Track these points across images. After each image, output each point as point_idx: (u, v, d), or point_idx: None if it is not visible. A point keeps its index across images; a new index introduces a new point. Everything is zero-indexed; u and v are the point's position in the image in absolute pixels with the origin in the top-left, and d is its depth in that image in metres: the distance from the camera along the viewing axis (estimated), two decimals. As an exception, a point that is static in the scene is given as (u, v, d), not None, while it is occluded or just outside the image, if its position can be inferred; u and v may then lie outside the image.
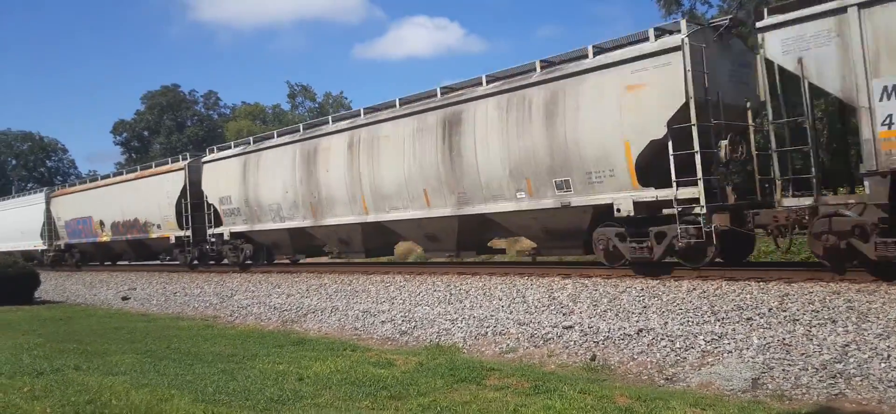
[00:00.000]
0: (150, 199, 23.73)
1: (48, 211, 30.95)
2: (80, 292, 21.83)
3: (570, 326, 9.05)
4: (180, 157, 23.80)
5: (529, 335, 9.18)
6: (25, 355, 9.38)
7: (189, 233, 22.07)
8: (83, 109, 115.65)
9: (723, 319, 8.23)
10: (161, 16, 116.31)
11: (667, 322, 8.49)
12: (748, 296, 8.83)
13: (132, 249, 26.21)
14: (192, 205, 21.85)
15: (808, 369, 6.63)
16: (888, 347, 6.67)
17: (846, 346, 6.86)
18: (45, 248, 31.06)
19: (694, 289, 9.61)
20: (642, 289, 10.03)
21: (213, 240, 21.27)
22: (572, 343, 8.64)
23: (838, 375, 6.44)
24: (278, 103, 66.52)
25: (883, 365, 6.39)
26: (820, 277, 9.36)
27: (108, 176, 28.78)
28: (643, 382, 7.31)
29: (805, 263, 11.68)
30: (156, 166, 24.77)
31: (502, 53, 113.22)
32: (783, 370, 6.74)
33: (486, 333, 9.70)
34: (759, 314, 8.09)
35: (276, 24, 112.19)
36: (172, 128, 66.33)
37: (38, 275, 20.27)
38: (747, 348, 7.33)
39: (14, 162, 76.68)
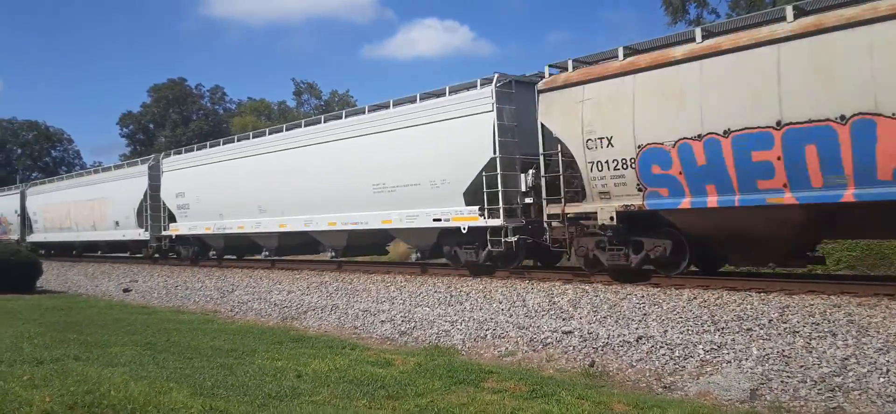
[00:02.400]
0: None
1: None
2: (81, 283, 21.89)
3: (570, 331, 9.04)
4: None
5: (528, 339, 9.18)
6: (26, 344, 9.40)
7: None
8: (90, 100, 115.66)
9: (723, 328, 8.22)
10: (171, 10, 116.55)
11: (667, 330, 8.48)
12: (749, 306, 8.82)
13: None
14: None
15: (806, 382, 6.62)
16: (888, 361, 6.65)
17: (846, 359, 6.85)
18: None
19: (695, 298, 9.60)
20: (643, 296, 10.03)
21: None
22: (571, 348, 8.64)
23: (837, 389, 6.42)
24: (284, 100, 66.66)
25: (882, 379, 6.38)
26: (821, 290, 9.36)
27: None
28: (641, 389, 7.30)
29: (808, 275, 11.67)
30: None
31: (511, 57, 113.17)
32: (782, 382, 6.72)
33: (486, 335, 9.70)
34: (759, 325, 8.08)
35: (286, 22, 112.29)
36: (177, 121, 66.46)
37: (40, 264, 20.32)
38: (746, 359, 7.31)
39: (19, 151, 76.81)
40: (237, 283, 17.04)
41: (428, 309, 11.43)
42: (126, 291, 18.97)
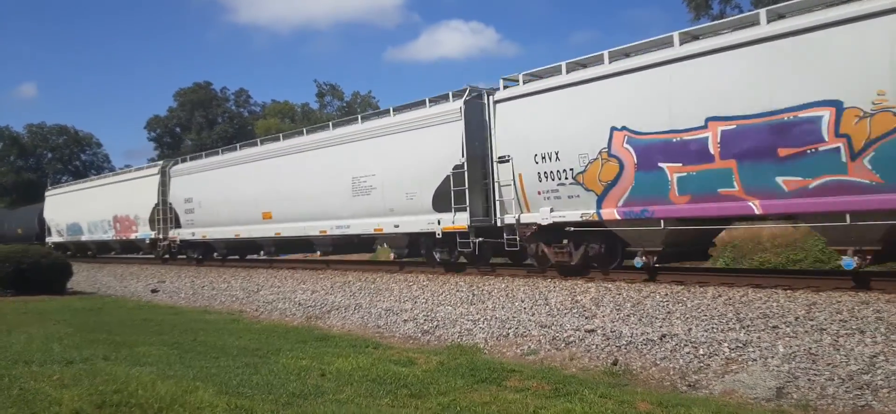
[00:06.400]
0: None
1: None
2: (111, 284, 22.29)
3: (593, 330, 9.01)
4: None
5: (551, 338, 9.16)
6: (56, 345, 9.59)
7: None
8: (118, 105, 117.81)
9: (748, 326, 8.12)
10: (199, 18, 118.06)
11: (691, 328, 8.41)
12: (775, 304, 8.70)
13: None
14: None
15: (834, 380, 6.52)
16: (918, 359, 6.53)
17: (874, 357, 6.73)
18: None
19: (719, 295, 9.49)
20: (666, 294, 9.94)
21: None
22: (594, 347, 8.60)
23: (865, 387, 6.32)
24: (307, 102, 67.14)
25: (912, 377, 6.26)
26: (848, 287, 9.20)
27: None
28: (665, 388, 7.25)
29: (835, 271, 11.47)
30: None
31: (537, 57, 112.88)
32: (809, 380, 6.63)
33: (508, 334, 9.70)
34: (785, 322, 7.97)
35: (312, 27, 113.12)
36: (203, 124, 67.30)
37: (70, 266, 20.71)
38: (772, 357, 7.23)
39: (50, 155, 78.32)
40: (262, 283, 17.23)
41: (450, 308, 11.45)
42: (154, 291, 19.29)
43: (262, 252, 21.69)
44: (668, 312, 9.11)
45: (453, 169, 13.79)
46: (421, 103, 15.34)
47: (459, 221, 13.91)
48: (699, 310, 8.97)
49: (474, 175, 13.72)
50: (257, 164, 20.33)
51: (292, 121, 58.23)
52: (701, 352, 7.75)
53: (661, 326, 8.66)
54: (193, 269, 22.71)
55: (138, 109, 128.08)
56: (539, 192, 12.27)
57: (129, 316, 14.19)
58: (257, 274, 18.94)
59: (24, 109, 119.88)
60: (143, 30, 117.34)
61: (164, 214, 24.69)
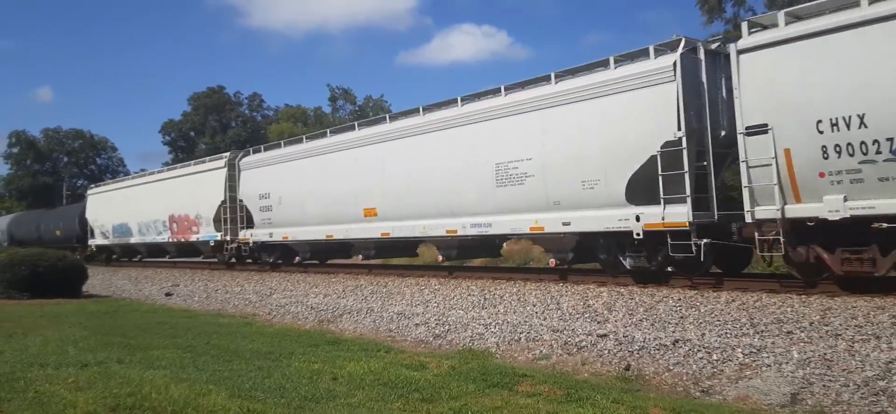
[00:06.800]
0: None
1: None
2: (125, 287, 22.45)
3: (605, 335, 8.97)
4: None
5: (563, 342, 9.14)
6: (71, 347, 9.67)
7: None
8: (133, 109, 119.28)
9: (762, 331, 8.06)
10: (212, 22, 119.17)
11: (704, 333, 8.35)
12: (789, 309, 8.63)
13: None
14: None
15: (849, 386, 6.46)
16: (935, 365, 6.46)
17: (890, 362, 6.66)
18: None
19: (733, 300, 9.42)
20: (679, 299, 9.89)
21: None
22: (606, 352, 8.57)
23: (881, 393, 6.25)
24: (320, 106, 67.43)
25: (929, 384, 6.19)
26: (863, 292, 9.10)
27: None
28: (678, 393, 7.21)
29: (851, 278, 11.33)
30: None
31: (549, 60, 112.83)
32: (824, 386, 6.57)
33: (520, 338, 9.68)
34: (799, 328, 7.91)
35: (324, 31, 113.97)
36: (216, 128, 67.78)
37: (86, 269, 20.88)
38: (787, 362, 7.17)
39: (65, 159, 79.16)
40: (275, 286, 17.29)
41: (462, 312, 11.44)
42: (168, 295, 19.41)
43: (360, 256, 18.11)
44: (681, 317, 9.06)
45: (662, 147, 10.54)
46: (598, 65, 12.00)
47: (674, 216, 10.52)
48: (712, 315, 8.92)
49: (690, 156, 10.46)
50: (356, 151, 17.06)
51: (305, 125, 58.42)
52: (714, 357, 7.70)
53: (674, 331, 8.61)
54: (207, 272, 22.80)
55: (152, 113, 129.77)
56: (822, 175, 8.93)
57: (143, 319, 14.29)
58: (270, 278, 19.01)
59: (40, 113, 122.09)
60: (158, 34, 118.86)
61: (233, 213, 21.87)
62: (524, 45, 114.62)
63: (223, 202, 22.04)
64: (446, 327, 10.82)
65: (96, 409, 6.05)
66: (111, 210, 29.97)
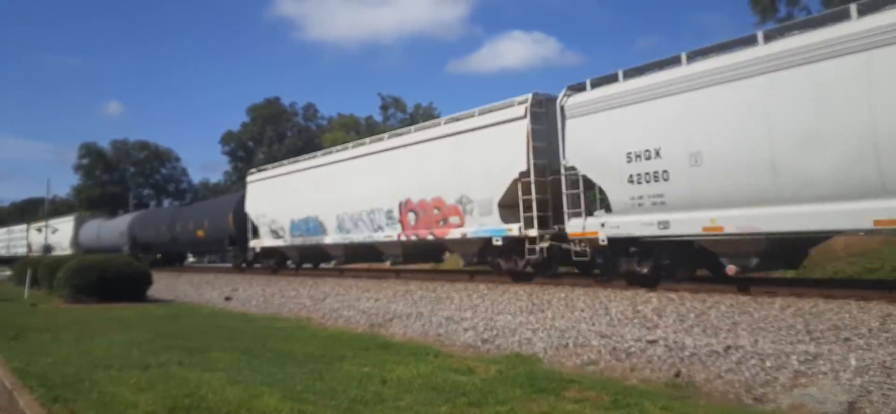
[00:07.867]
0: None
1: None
2: (187, 292, 23.20)
3: (654, 341, 8.86)
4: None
5: (611, 348, 9.06)
6: (135, 350, 10.13)
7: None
8: (195, 121, 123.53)
9: (818, 338, 7.83)
10: (269, 36, 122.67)
11: (757, 340, 8.16)
12: (847, 315, 8.35)
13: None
14: None
15: (910, 395, 6.23)
16: None
17: (955, 372, 6.39)
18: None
19: (787, 306, 9.17)
20: (732, 305, 9.68)
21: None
22: (656, 358, 8.46)
23: (945, 403, 6.01)
24: (371, 115, 68.40)
25: None
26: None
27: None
28: (730, 401, 7.08)
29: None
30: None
31: (600, 65, 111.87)
32: (883, 394, 6.36)
33: (567, 344, 9.64)
34: (858, 335, 7.65)
35: (378, 42, 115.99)
36: (273, 138, 69.50)
37: (150, 274, 21.69)
38: (844, 370, 6.95)
39: (132, 169, 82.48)
40: (328, 291, 17.63)
41: (510, 317, 11.46)
42: (227, 299, 20.01)
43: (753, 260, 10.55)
44: (734, 323, 8.87)
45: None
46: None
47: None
48: (766, 321, 8.70)
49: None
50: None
51: (357, 133, 59.32)
52: (768, 364, 7.52)
53: (726, 338, 8.44)
54: (264, 278, 23.38)
55: (213, 124, 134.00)
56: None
57: (203, 323, 14.79)
58: (324, 282, 19.38)
59: (109, 126, 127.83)
60: (218, 49, 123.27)
61: (558, 192, 13.24)
62: (575, 51, 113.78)
63: (522, 174, 13.79)
64: (494, 332, 10.85)
65: (155, 409, 6.34)
66: (288, 199, 22.54)
